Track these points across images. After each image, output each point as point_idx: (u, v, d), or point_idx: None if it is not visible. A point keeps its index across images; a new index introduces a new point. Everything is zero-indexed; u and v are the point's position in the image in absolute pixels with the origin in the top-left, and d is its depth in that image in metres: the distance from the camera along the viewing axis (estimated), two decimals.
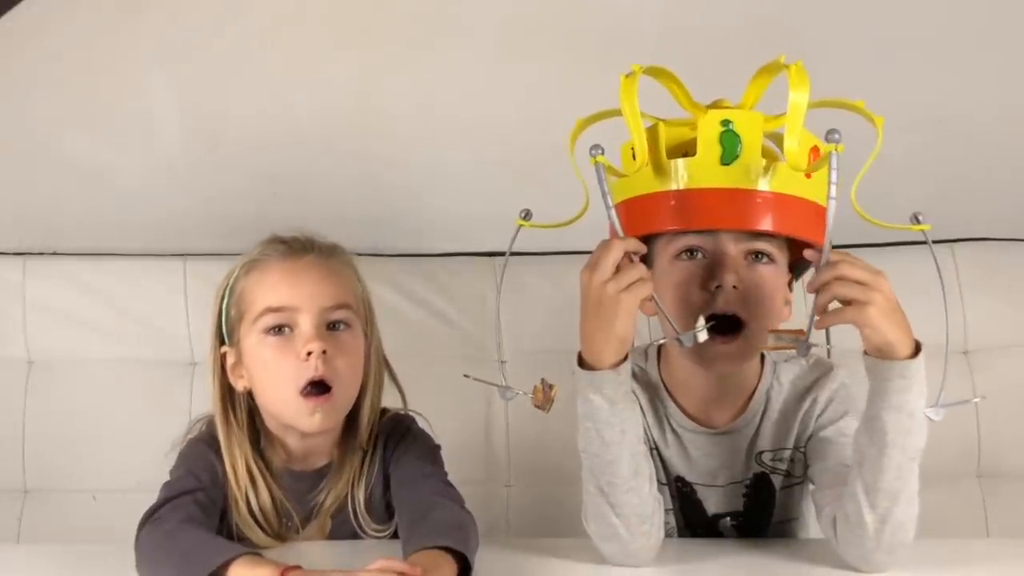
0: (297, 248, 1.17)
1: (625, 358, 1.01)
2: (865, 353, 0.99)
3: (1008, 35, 1.48)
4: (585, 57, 1.45)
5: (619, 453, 1.03)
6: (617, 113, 1.03)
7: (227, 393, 1.17)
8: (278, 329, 1.13)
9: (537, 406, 1.08)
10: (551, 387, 1.07)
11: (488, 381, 1.14)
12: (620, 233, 1.00)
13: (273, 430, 1.19)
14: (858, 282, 0.94)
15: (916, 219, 1.04)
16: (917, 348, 0.97)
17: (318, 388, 1.12)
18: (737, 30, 1.43)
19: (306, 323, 1.12)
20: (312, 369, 1.11)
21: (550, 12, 1.46)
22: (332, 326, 1.14)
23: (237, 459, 1.15)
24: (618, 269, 0.97)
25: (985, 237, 1.66)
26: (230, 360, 1.17)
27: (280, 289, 1.14)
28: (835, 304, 0.96)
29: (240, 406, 1.18)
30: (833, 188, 0.94)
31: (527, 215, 1.09)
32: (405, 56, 1.50)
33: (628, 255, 0.98)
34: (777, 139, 1.03)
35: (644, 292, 0.97)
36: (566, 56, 1.47)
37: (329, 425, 1.16)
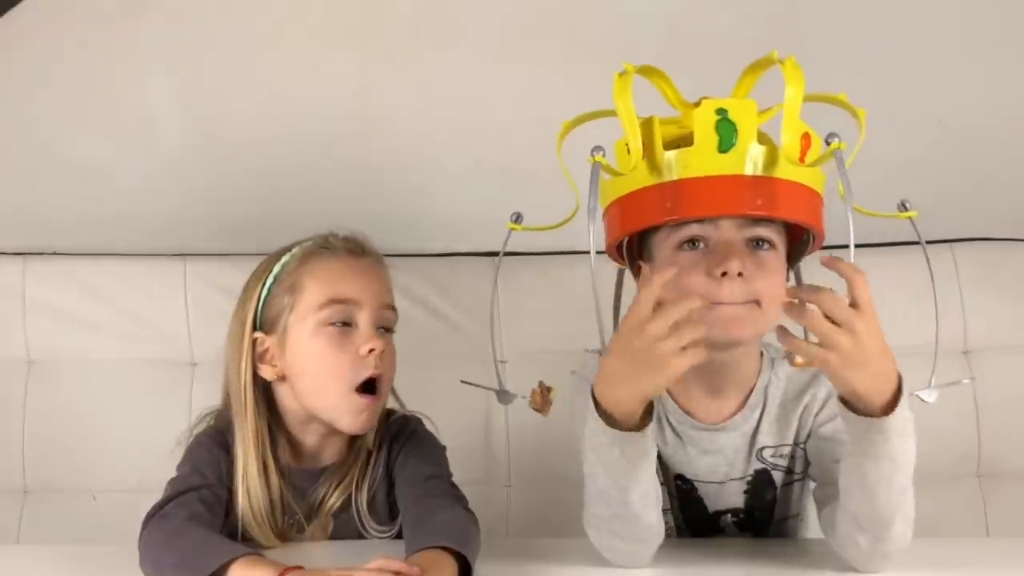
0: (356, 246, 1.20)
1: (650, 411, 0.96)
2: (840, 400, 0.95)
3: (1009, 35, 1.48)
4: (586, 58, 1.44)
5: (630, 493, 1.00)
6: (604, 114, 1.03)
7: (253, 381, 1.17)
8: (340, 322, 1.15)
9: (535, 409, 1.08)
10: (549, 390, 1.06)
11: (485, 386, 1.15)
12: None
13: (291, 425, 1.19)
14: (831, 319, 0.89)
15: (903, 207, 1.05)
16: (898, 390, 0.92)
17: (370, 388, 1.15)
18: (738, 31, 1.43)
19: (365, 320, 1.15)
20: (371, 367, 1.14)
21: (551, 13, 1.46)
22: (384, 326, 1.18)
23: (252, 450, 1.15)
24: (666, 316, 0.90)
25: (985, 237, 1.66)
26: (261, 347, 1.17)
27: (345, 281, 1.16)
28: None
29: (261, 396, 1.18)
30: (848, 192, 0.95)
31: (518, 218, 1.10)
32: (405, 56, 1.50)
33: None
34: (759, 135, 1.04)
35: (698, 358, 0.90)
36: (567, 57, 1.47)
37: (370, 426, 1.17)
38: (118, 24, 1.46)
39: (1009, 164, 1.60)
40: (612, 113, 1.01)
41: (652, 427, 0.98)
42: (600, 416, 0.96)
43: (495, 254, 1.62)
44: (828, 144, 0.96)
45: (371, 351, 1.14)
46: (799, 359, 0.92)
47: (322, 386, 1.15)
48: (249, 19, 1.47)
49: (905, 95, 1.49)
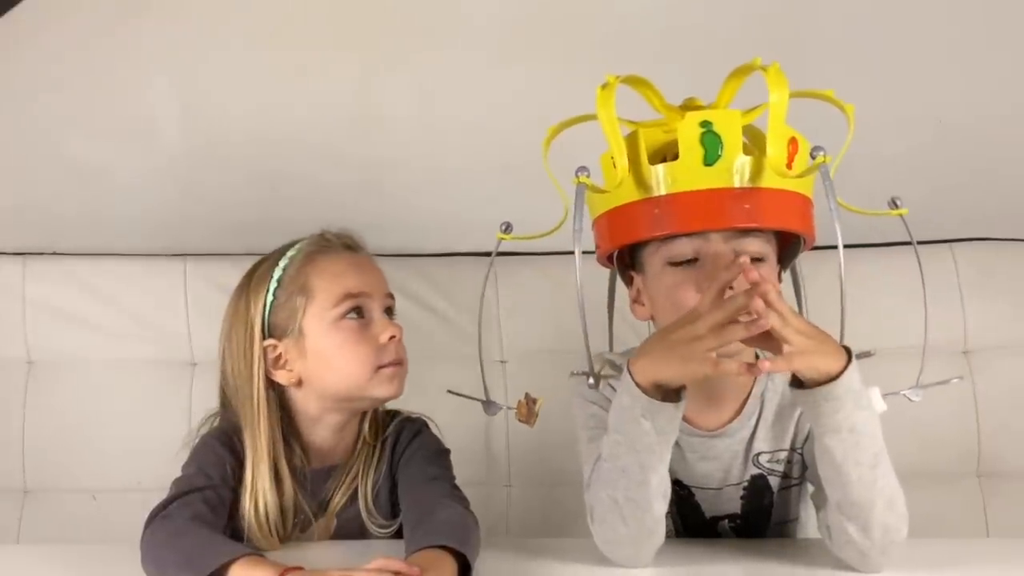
0: (352, 242, 1.25)
1: (683, 386, 0.99)
2: (791, 384, 0.99)
3: (1008, 35, 1.48)
4: (585, 58, 1.44)
5: (651, 475, 1.01)
6: (587, 118, 1.03)
7: (268, 389, 1.18)
8: (358, 313, 1.18)
9: (522, 420, 1.09)
10: (535, 401, 1.07)
11: (471, 396, 1.16)
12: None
13: (302, 424, 1.20)
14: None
15: (894, 204, 1.05)
16: (847, 360, 0.96)
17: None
18: (738, 31, 1.43)
19: (377, 310, 1.20)
20: (393, 353, 1.18)
21: (550, 13, 1.46)
22: (388, 311, 1.22)
23: (265, 460, 1.15)
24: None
25: (984, 237, 1.66)
26: (273, 354, 1.18)
27: (351, 276, 1.20)
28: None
29: (274, 403, 1.18)
30: (833, 203, 0.95)
31: (507, 228, 1.12)
32: (405, 56, 1.50)
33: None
34: (749, 132, 1.04)
35: (718, 370, 0.95)
36: (566, 57, 1.47)
37: (401, 392, 1.19)
38: (118, 24, 1.46)
39: (1009, 163, 1.60)
40: (596, 117, 1.01)
41: (683, 404, 1.00)
42: (635, 385, 0.99)
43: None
44: (813, 157, 0.96)
45: (392, 338, 1.17)
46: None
47: (347, 375, 1.17)
48: (249, 19, 1.47)
49: (904, 94, 1.49)
